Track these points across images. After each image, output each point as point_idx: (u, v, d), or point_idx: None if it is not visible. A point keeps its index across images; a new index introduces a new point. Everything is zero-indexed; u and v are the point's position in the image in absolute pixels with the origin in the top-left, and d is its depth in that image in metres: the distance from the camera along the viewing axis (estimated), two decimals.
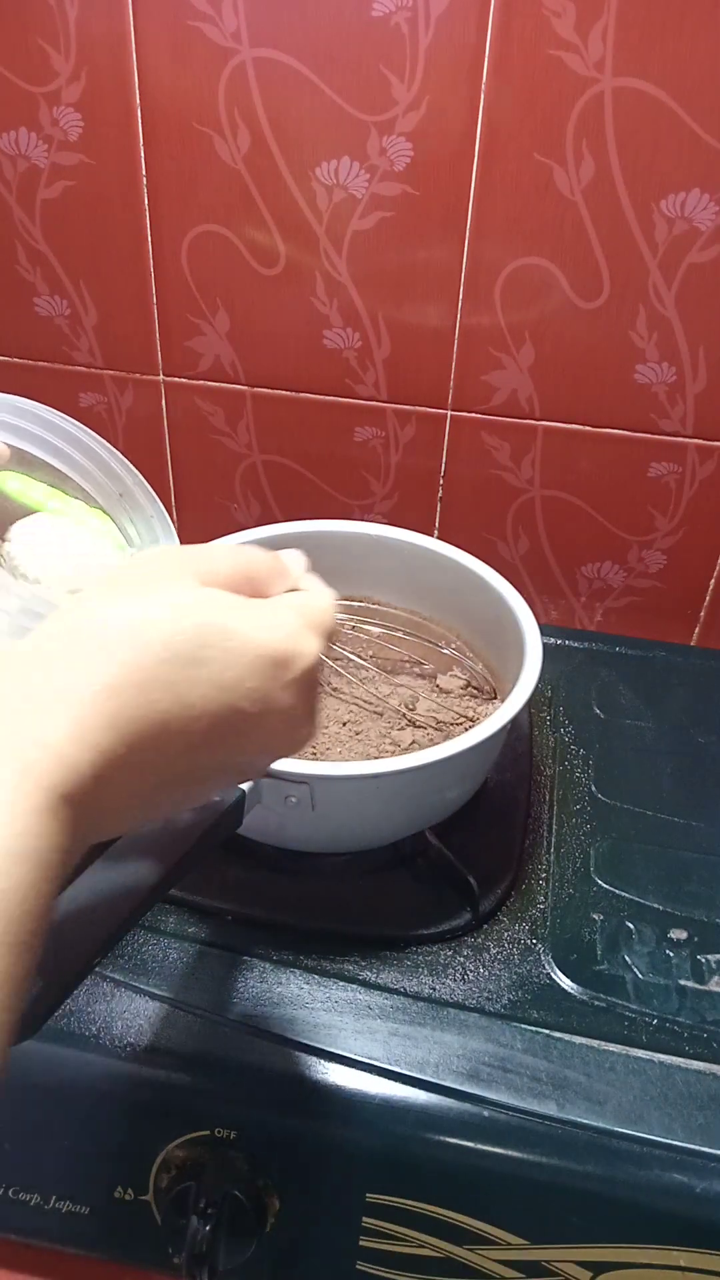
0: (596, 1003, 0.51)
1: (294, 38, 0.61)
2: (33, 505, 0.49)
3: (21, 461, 0.49)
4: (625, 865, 0.59)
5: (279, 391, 0.77)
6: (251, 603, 0.30)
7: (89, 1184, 0.50)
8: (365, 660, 0.66)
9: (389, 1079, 0.47)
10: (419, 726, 0.60)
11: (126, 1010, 0.49)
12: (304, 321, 0.73)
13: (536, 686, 0.54)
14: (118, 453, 0.51)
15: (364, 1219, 0.47)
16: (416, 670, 0.66)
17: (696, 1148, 0.45)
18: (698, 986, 0.52)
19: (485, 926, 0.55)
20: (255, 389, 0.77)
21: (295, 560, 0.34)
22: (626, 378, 0.70)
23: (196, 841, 0.37)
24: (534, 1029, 0.50)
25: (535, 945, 0.54)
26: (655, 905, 0.57)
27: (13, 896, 0.23)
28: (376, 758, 0.57)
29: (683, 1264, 0.44)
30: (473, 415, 0.75)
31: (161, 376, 0.78)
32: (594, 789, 0.65)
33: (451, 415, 0.75)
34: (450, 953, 0.53)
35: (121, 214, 0.71)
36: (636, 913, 0.56)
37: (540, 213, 0.65)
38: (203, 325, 0.75)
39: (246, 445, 0.80)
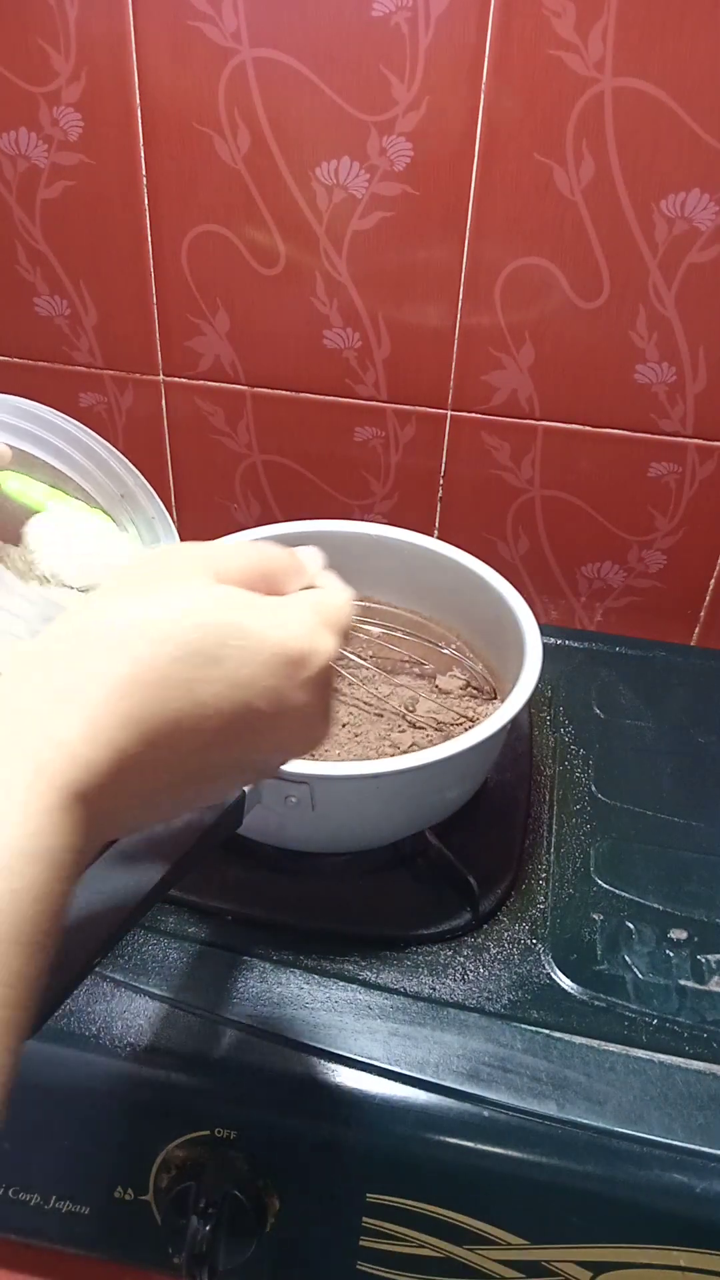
0: (596, 1003, 0.51)
1: (294, 38, 0.61)
2: (33, 505, 0.49)
3: (23, 462, 0.49)
4: (625, 865, 0.59)
5: (279, 391, 0.77)
6: (267, 600, 0.30)
7: (89, 1184, 0.50)
8: (365, 660, 0.66)
9: (389, 1079, 0.47)
10: (418, 728, 0.60)
11: (126, 1010, 0.49)
12: (304, 321, 0.73)
13: (536, 686, 0.54)
14: (119, 453, 0.51)
15: (364, 1219, 0.47)
16: (416, 670, 0.66)
17: (696, 1148, 0.45)
18: (698, 986, 0.52)
19: (485, 926, 0.55)
20: (255, 389, 0.77)
21: (312, 557, 0.34)
22: (626, 378, 0.70)
23: (196, 841, 0.37)
24: (534, 1029, 0.50)
25: (535, 945, 0.54)
26: (655, 905, 0.57)
27: (26, 896, 0.23)
28: (375, 759, 0.57)
29: (683, 1264, 0.44)
30: (473, 415, 0.75)
31: (161, 376, 0.78)
32: (594, 789, 0.65)
33: (451, 415, 0.75)
34: (450, 953, 0.53)
35: (121, 214, 0.71)
36: (636, 913, 0.56)
37: (540, 213, 0.65)
38: (203, 325, 0.75)
39: (246, 445, 0.80)
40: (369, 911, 0.55)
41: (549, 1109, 0.46)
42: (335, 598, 0.33)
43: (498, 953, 0.54)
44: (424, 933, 0.54)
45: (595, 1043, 0.49)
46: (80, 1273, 0.54)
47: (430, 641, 0.66)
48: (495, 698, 0.64)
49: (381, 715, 0.61)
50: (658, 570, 0.80)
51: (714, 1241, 0.44)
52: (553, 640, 0.79)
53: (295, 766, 0.47)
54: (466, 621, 0.67)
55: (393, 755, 0.58)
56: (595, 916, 0.56)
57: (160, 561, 0.30)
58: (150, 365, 0.78)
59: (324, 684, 0.31)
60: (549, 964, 0.53)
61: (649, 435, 0.73)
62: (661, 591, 0.81)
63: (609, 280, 0.66)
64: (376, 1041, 0.48)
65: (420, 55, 0.61)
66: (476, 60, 0.60)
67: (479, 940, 0.54)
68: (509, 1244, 0.46)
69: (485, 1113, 0.46)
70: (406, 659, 0.66)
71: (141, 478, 0.53)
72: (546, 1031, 0.49)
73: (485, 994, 0.51)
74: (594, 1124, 0.45)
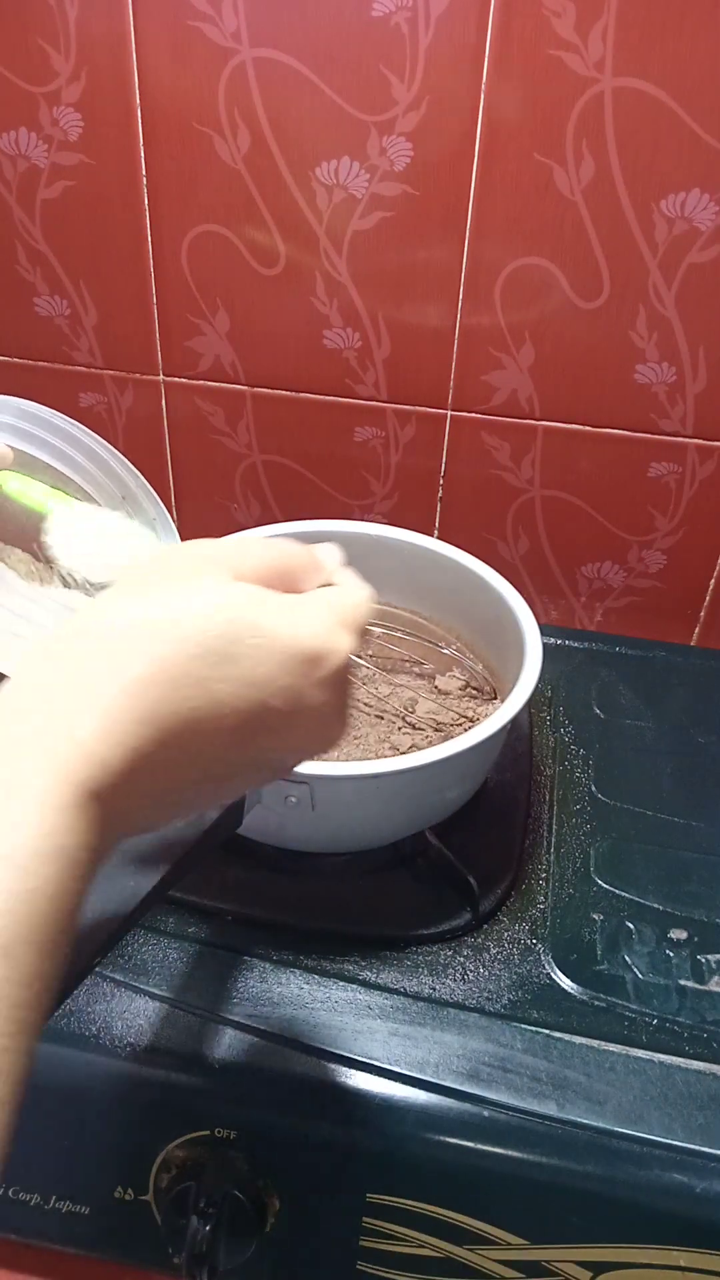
0: (596, 1003, 0.51)
1: (294, 38, 0.61)
2: (33, 505, 0.49)
3: (24, 463, 0.49)
4: (625, 865, 0.59)
5: (279, 391, 0.77)
6: (284, 598, 0.29)
7: (89, 1184, 0.50)
8: (365, 660, 0.66)
9: (389, 1079, 0.47)
10: (418, 729, 0.60)
11: (126, 1010, 0.49)
12: (304, 321, 0.73)
13: (536, 686, 0.54)
14: (120, 455, 0.51)
15: (364, 1219, 0.47)
16: (416, 670, 0.66)
17: (696, 1148, 0.45)
18: (698, 986, 0.52)
19: (485, 926, 0.55)
20: (255, 389, 0.77)
21: (330, 555, 0.33)
22: (626, 378, 0.70)
23: (197, 842, 0.37)
24: (534, 1029, 0.50)
25: (535, 945, 0.54)
26: (655, 905, 0.57)
27: (42, 895, 0.23)
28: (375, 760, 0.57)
29: (683, 1264, 0.44)
30: (473, 415, 0.75)
31: (161, 376, 0.78)
32: (594, 789, 0.65)
33: (451, 415, 0.75)
34: (450, 953, 0.53)
35: (121, 214, 0.71)
36: (636, 913, 0.56)
37: (540, 213, 0.65)
38: (203, 325, 0.75)
39: (246, 445, 0.80)
40: (369, 911, 0.55)
41: (549, 1109, 0.46)
42: (353, 596, 0.32)
43: (498, 953, 0.54)
44: (424, 933, 0.54)
45: (595, 1043, 0.49)
46: (80, 1273, 0.54)
47: (430, 641, 0.66)
48: (495, 698, 0.64)
49: (382, 717, 0.61)
50: (658, 570, 0.80)
51: (714, 1241, 0.44)
52: (553, 640, 0.79)
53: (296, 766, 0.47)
54: (466, 621, 0.67)
55: (392, 756, 0.58)
56: (595, 916, 0.56)
57: (177, 559, 0.30)
58: (150, 365, 0.78)
59: (340, 683, 0.30)
60: (549, 964, 0.53)
61: (649, 435, 0.73)
62: (661, 591, 0.81)
63: (609, 280, 0.66)
64: (376, 1041, 0.48)
65: (420, 55, 0.61)
66: (476, 60, 0.60)
67: (479, 940, 0.54)
68: (509, 1244, 0.46)
69: (485, 1113, 0.46)
70: (406, 659, 0.66)
71: (142, 479, 0.53)
72: (546, 1031, 0.49)
73: (485, 994, 0.51)
74: (594, 1124, 0.45)
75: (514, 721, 0.52)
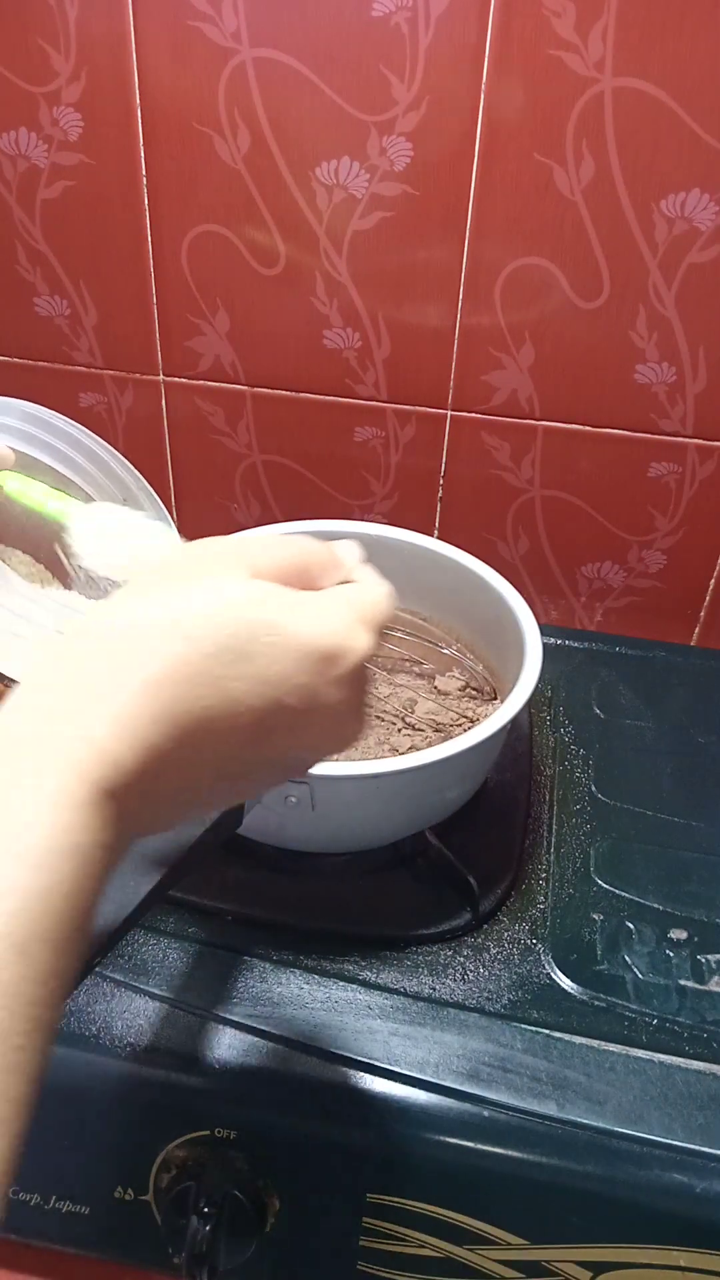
0: (596, 1003, 0.51)
1: (294, 38, 0.61)
2: (32, 505, 0.49)
3: (26, 465, 0.49)
4: (625, 865, 0.59)
5: (279, 391, 0.77)
6: (301, 596, 0.29)
7: (89, 1184, 0.50)
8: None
9: (389, 1079, 0.47)
10: (417, 729, 0.60)
11: (126, 1010, 0.49)
12: (304, 321, 0.73)
13: (536, 686, 0.54)
14: (121, 457, 0.51)
15: (364, 1219, 0.47)
16: (416, 670, 0.66)
17: (696, 1148, 0.45)
18: (698, 986, 0.52)
19: (485, 926, 0.55)
20: (255, 389, 0.77)
21: (350, 552, 0.33)
22: (626, 378, 0.70)
23: (196, 842, 0.37)
24: (534, 1029, 0.50)
25: (535, 945, 0.54)
26: (655, 905, 0.57)
27: (57, 893, 0.22)
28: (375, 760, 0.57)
29: (683, 1264, 0.44)
30: (473, 415, 0.75)
31: (161, 376, 0.78)
32: (594, 789, 0.65)
33: (451, 415, 0.75)
34: (450, 953, 0.53)
35: (121, 214, 0.71)
36: (636, 913, 0.56)
37: (540, 213, 0.65)
38: (203, 325, 0.75)
39: (246, 445, 0.80)
40: (369, 911, 0.55)
41: (549, 1109, 0.46)
42: (372, 593, 0.32)
43: (498, 953, 0.54)
44: (424, 933, 0.54)
45: (595, 1043, 0.49)
46: (80, 1273, 0.54)
47: (430, 641, 0.66)
48: (495, 698, 0.64)
49: (381, 718, 0.61)
50: (658, 570, 0.80)
51: (714, 1241, 0.44)
52: (553, 640, 0.79)
53: None
54: (466, 621, 0.67)
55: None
56: (595, 916, 0.56)
57: (192, 557, 0.30)
58: (150, 365, 0.78)
59: (357, 681, 0.30)
60: (549, 964, 0.53)
61: (649, 435, 0.73)
62: (661, 591, 0.81)
63: (609, 280, 0.66)
64: (376, 1041, 0.48)
65: (420, 55, 0.61)
66: (476, 60, 0.60)
67: (479, 940, 0.54)
68: (509, 1244, 0.46)
69: (485, 1113, 0.46)
70: (406, 659, 0.66)
71: (144, 481, 0.53)
72: (546, 1031, 0.49)
73: (485, 994, 0.51)
74: (594, 1124, 0.45)
75: (514, 721, 0.52)
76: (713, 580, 0.79)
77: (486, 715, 0.56)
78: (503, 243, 0.66)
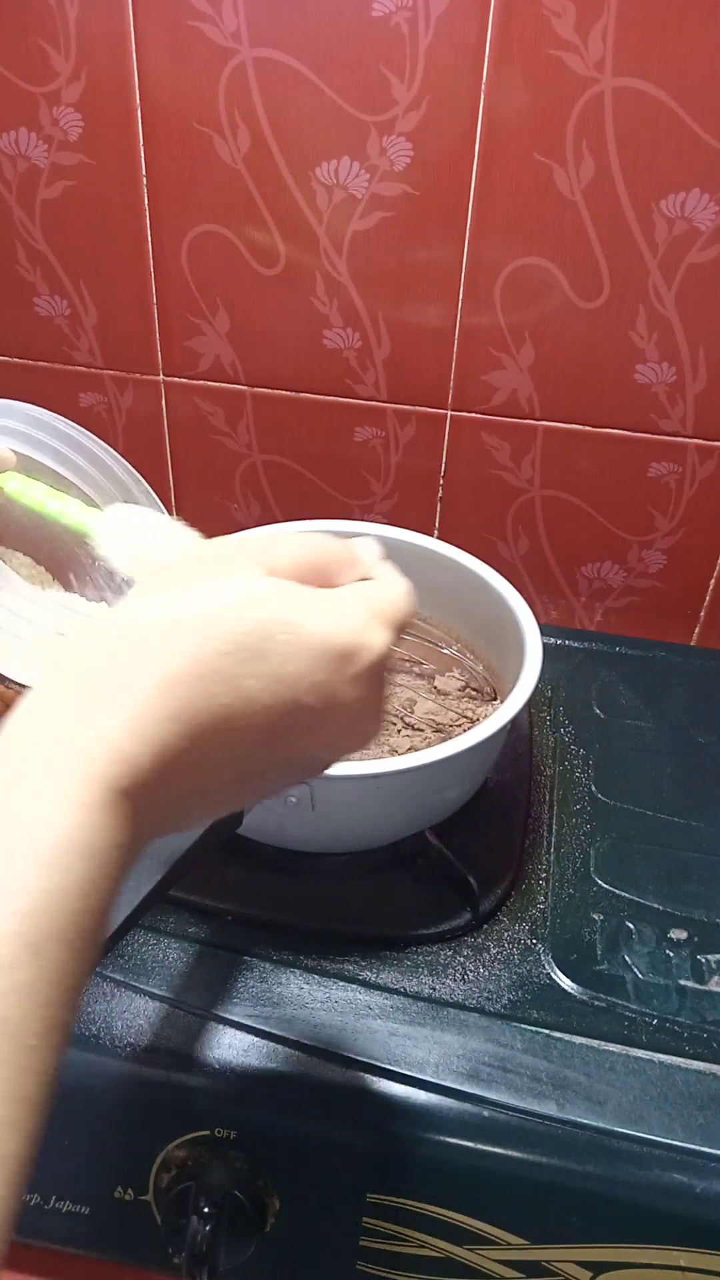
0: (596, 1003, 0.51)
1: (294, 38, 0.61)
2: (32, 505, 0.49)
3: (27, 468, 0.49)
4: (625, 865, 0.59)
5: (279, 391, 0.77)
6: (318, 593, 0.29)
7: (89, 1184, 0.50)
8: None
9: (389, 1079, 0.47)
10: (417, 730, 0.60)
11: (126, 1010, 0.49)
12: (304, 321, 0.73)
13: (536, 686, 0.54)
14: (123, 460, 0.51)
15: (364, 1219, 0.47)
16: (415, 670, 0.66)
17: (696, 1148, 0.45)
18: (698, 986, 0.52)
19: (485, 926, 0.55)
20: (255, 389, 0.77)
21: (368, 549, 0.33)
22: (626, 378, 0.70)
23: (196, 842, 0.37)
24: (534, 1029, 0.50)
25: (535, 945, 0.54)
26: (655, 905, 0.57)
27: (72, 893, 0.22)
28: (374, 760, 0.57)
29: (683, 1264, 0.44)
30: (473, 415, 0.75)
31: (161, 376, 0.78)
32: (594, 789, 0.65)
33: (451, 415, 0.75)
34: (450, 953, 0.53)
35: (121, 214, 0.71)
36: (636, 913, 0.56)
37: (540, 213, 0.65)
38: (203, 325, 0.75)
39: (246, 445, 0.80)
40: (369, 911, 0.55)
41: (549, 1109, 0.46)
42: (391, 590, 0.31)
43: (498, 953, 0.54)
44: (424, 933, 0.54)
45: (595, 1043, 0.49)
46: (80, 1273, 0.54)
47: (430, 642, 0.66)
48: (494, 699, 0.64)
49: None
50: (658, 570, 0.80)
51: (714, 1241, 0.44)
52: (553, 640, 0.79)
53: None
54: (466, 621, 0.67)
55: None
56: (595, 916, 0.56)
57: (209, 555, 0.29)
58: (150, 365, 0.78)
59: (375, 679, 0.30)
60: (549, 964, 0.53)
61: (649, 435, 0.73)
62: (661, 591, 0.81)
63: (609, 280, 0.66)
64: (376, 1041, 0.48)
65: (420, 55, 0.61)
66: (476, 60, 0.60)
67: (479, 940, 0.54)
68: (509, 1244, 0.46)
69: (485, 1113, 0.46)
70: (406, 659, 0.66)
71: (145, 484, 0.53)
72: (546, 1031, 0.49)
73: (485, 994, 0.51)
74: (594, 1124, 0.45)
75: (514, 721, 0.52)
76: (713, 580, 0.79)
77: (486, 715, 0.56)
78: (503, 243, 0.66)
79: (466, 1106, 0.46)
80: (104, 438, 0.52)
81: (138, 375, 0.78)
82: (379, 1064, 0.47)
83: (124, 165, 0.68)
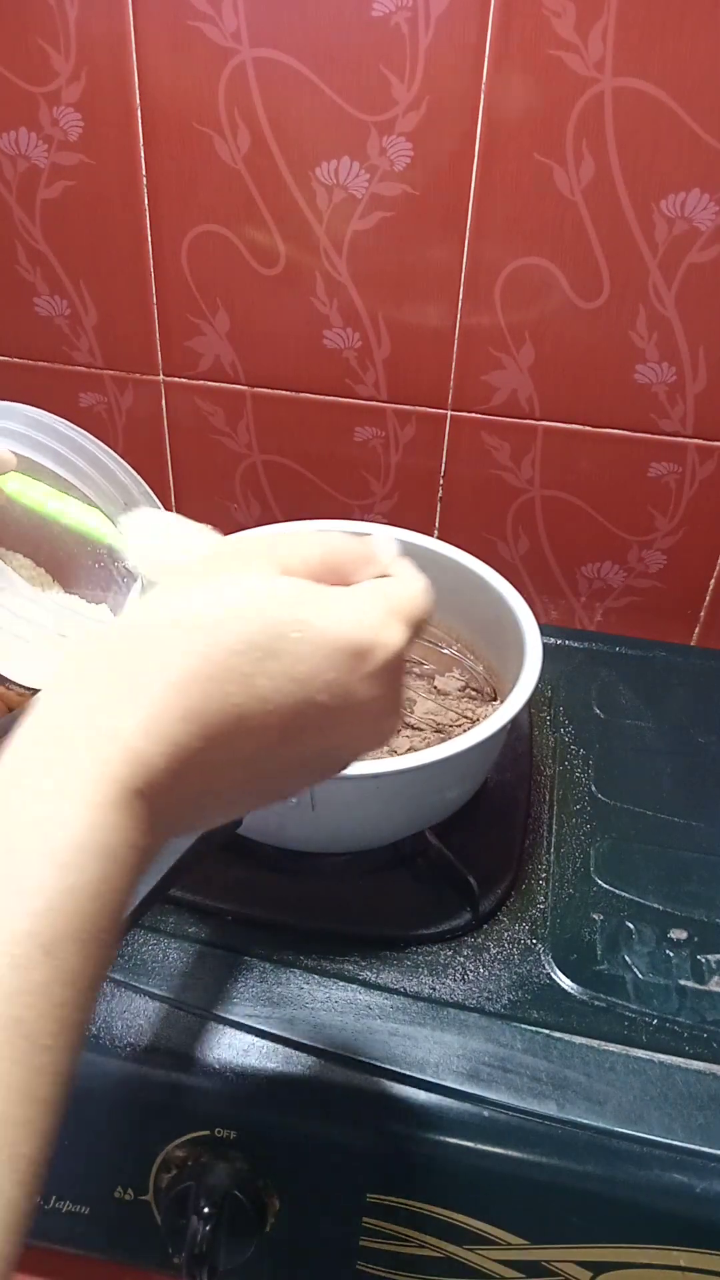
0: (596, 1003, 0.51)
1: (294, 38, 0.61)
2: (32, 505, 0.49)
3: (29, 470, 0.49)
4: (625, 865, 0.59)
5: (279, 391, 0.77)
6: (332, 591, 0.29)
7: (89, 1184, 0.50)
8: None
9: (389, 1079, 0.47)
10: (417, 730, 0.60)
11: (126, 1010, 0.49)
12: (304, 321, 0.73)
13: (536, 686, 0.54)
14: (124, 462, 0.51)
15: (364, 1219, 0.47)
16: (415, 671, 0.66)
17: (696, 1148, 0.45)
18: (698, 986, 0.52)
19: (485, 926, 0.55)
20: (255, 389, 0.77)
21: (385, 545, 0.32)
22: (626, 378, 0.70)
23: (196, 842, 0.37)
24: (534, 1029, 0.50)
25: (535, 945, 0.54)
26: (655, 905, 0.57)
27: (85, 892, 0.22)
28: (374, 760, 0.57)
29: (683, 1264, 0.44)
30: (473, 415, 0.75)
31: (161, 376, 0.78)
32: (594, 789, 0.65)
33: (451, 415, 0.75)
34: (450, 953, 0.53)
35: (121, 214, 0.71)
36: (636, 913, 0.56)
37: (540, 213, 0.65)
38: (203, 325, 0.75)
39: (246, 445, 0.80)
40: (369, 911, 0.55)
41: (549, 1109, 0.46)
42: (408, 587, 0.31)
43: (498, 953, 0.54)
44: (424, 933, 0.54)
45: (595, 1043, 0.49)
46: (80, 1273, 0.54)
47: (430, 642, 0.66)
48: (494, 699, 0.64)
49: None
50: (658, 570, 0.80)
51: (714, 1241, 0.44)
52: (553, 640, 0.79)
53: None
54: (466, 621, 0.67)
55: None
56: (595, 916, 0.56)
57: (223, 555, 0.29)
58: (150, 365, 0.78)
59: (391, 676, 0.29)
60: (549, 964, 0.53)
61: (649, 435, 0.73)
62: (661, 591, 0.81)
63: (609, 280, 0.66)
64: (376, 1041, 0.48)
65: (420, 55, 0.61)
66: (476, 60, 0.60)
67: (479, 940, 0.54)
68: (509, 1244, 0.46)
69: (485, 1113, 0.46)
70: (406, 658, 0.66)
71: (146, 487, 0.53)
72: (546, 1031, 0.49)
73: (485, 994, 0.51)
74: (594, 1124, 0.45)
75: (514, 721, 0.52)
76: (713, 580, 0.79)
77: (486, 715, 0.56)
78: (503, 243, 0.66)
79: (466, 1106, 0.46)
80: (104, 438, 0.52)
81: (138, 375, 0.78)
82: (379, 1064, 0.47)
83: (124, 165, 0.68)
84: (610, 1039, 0.49)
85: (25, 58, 0.65)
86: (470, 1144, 0.45)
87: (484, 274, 0.68)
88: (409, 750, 0.58)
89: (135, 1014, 0.49)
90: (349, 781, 0.49)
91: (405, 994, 0.51)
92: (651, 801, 0.64)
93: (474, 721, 0.60)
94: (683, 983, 0.52)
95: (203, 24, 0.62)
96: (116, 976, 0.51)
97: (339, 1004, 0.50)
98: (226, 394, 0.78)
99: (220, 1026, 0.49)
